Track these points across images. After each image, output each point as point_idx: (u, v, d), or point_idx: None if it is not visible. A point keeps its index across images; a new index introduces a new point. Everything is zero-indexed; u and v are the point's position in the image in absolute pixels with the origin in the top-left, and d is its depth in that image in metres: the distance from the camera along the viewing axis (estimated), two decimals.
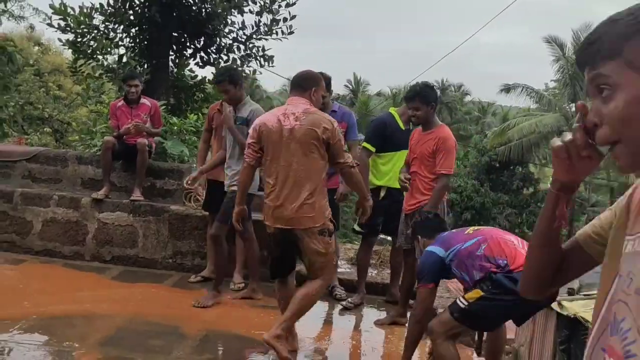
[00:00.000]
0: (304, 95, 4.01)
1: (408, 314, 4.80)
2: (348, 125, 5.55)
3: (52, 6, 9.09)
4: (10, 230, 6.18)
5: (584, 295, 8.67)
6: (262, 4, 10.21)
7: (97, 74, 10.24)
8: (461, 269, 3.64)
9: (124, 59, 9.91)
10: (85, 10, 9.40)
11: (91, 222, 6.15)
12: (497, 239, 3.60)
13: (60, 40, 9.46)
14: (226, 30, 10.42)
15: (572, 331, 8.45)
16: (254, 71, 10.93)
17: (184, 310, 4.97)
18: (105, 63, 10.23)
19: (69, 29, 9.30)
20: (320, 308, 5.53)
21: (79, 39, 9.39)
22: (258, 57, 10.41)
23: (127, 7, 9.79)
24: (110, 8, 9.74)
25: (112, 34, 10.06)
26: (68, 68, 10.63)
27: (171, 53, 10.63)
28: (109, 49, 9.65)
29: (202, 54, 10.70)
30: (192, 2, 10.05)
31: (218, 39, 10.47)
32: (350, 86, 48.21)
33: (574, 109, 27.25)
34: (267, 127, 3.92)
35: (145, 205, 6.15)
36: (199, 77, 10.80)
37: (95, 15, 9.70)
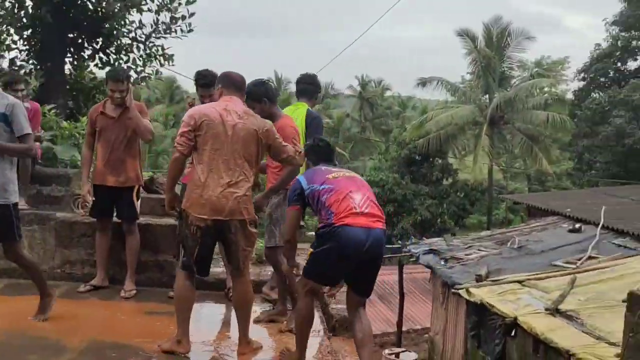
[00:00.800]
0: (239, 96, 4.23)
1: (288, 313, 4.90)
2: None
3: None
4: None
5: (492, 281, 8.87)
6: (160, 2, 9.99)
7: None
8: (313, 208, 4.05)
9: (17, 62, 9.49)
10: None
11: None
12: (344, 192, 3.89)
13: None
14: (124, 29, 10.12)
15: (480, 317, 8.63)
16: (157, 71, 10.72)
17: (69, 321, 4.76)
18: None
19: None
20: (215, 309, 5.44)
21: None
22: (158, 57, 10.18)
23: (17, 7, 9.36)
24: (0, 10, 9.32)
25: (3, 36, 9.62)
26: None
27: (69, 55, 10.27)
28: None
29: (102, 54, 10.38)
30: (86, 1, 9.72)
31: (117, 39, 10.16)
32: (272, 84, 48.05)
33: (488, 100, 28.45)
34: (209, 118, 3.99)
35: (30, 213, 5.87)
36: (99, 79, 10.46)
37: None
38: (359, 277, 4.02)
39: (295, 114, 5.34)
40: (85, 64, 10.50)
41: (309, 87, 5.66)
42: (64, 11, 9.30)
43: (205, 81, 5.24)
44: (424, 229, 27.17)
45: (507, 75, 30.03)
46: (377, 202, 4.01)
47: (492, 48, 28.20)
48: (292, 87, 48.82)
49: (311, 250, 3.96)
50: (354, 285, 4.08)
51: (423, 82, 29.80)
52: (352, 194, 3.91)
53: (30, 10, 9.33)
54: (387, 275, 13.88)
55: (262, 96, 4.77)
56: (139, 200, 5.56)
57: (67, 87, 10.13)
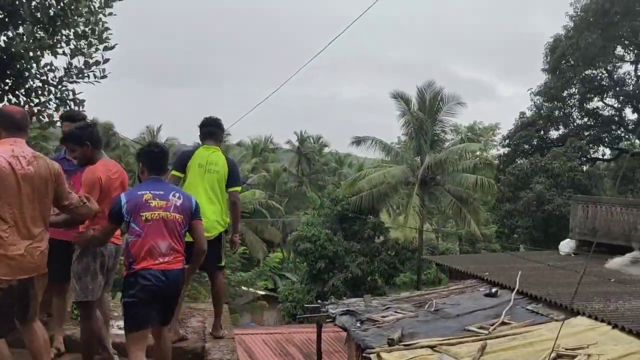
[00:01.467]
0: (23, 136, 3.87)
1: None
2: None
3: None
4: None
5: (404, 345, 8.64)
6: (75, 46, 9.65)
7: None
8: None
9: None
10: None
11: None
12: (149, 242, 4.14)
13: None
14: (36, 72, 9.70)
15: None
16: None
17: None
18: None
19: None
20: None
21: None
22: (68, 101, 9.77)
23: None
24: None
25: None
26: None
27: None
28: None
29: (11, 96, 9.89)
30: None
31: (28, 81, 9.72)
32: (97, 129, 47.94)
33: (419, 161, 28.90)
34: None
35: None
36: None
37: None
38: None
39: (213, 157, 5.43)
40: None
41: (216, 130, 5.72)
42: None
43: (69, 114, 5.50)
44: (354, 286, 26.93)
45: (439, 138, 30.62)
46: (181, 241, 4.30)
47: (424, 111, 28.77)
48: (231, 139, 48.77)
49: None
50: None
51: (358, 141, 30.06)
52: (160, 242, 4.18)
53: None
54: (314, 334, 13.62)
55: (85, 140, 4.64)
56: None
57: None
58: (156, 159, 4.42)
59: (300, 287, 28.52)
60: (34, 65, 9.74)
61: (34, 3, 9.26)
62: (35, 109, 9.98)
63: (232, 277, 14.76)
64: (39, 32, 9.33)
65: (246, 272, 27.16)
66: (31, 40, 9.14)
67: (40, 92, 9.94)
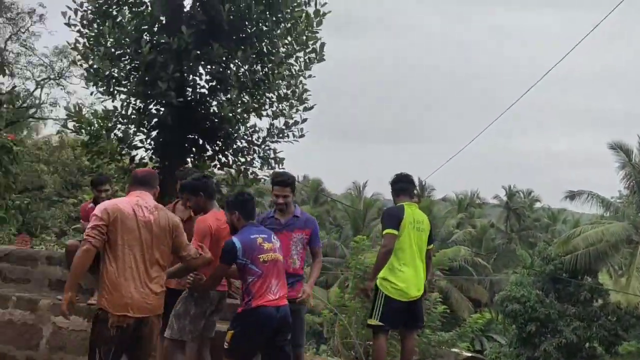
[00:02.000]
0: (146, 189, 4.31)
1: None
2: (312, 231, 5.34)
3: (66, 108, 9.40)
4: None
5: None
6: (276, 108, 10.25)
7: (117, 176, 10.42)
8: (239, 274, 4.64)
9: (137, 160, 10.04)
10: (100, 114, 9.67)
11: (46, 326, 5.89)
12: (268, 281, 4.55)
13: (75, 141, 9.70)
14: (242, 133, 10.43)
15: None
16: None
17: None
18: (124, 165, 10.39)
19: (83, 130, 9.54)
20: None
21: (92, 141, 9.58)
22: (270, 160, 10.33)
23: (143, 111, 10.00)
24: (133, 112, 9.99)
25: (131, 137, 10.23)
26: (86, 168, 10.86)
27: (191, 155, 10.72)
28: (122, 152, 9.80)
29: (221, 156, 10.72)
30: (208, 105, 10.18)
31: (235, 142, 10.48)
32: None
33: None
34: (122, 212, 3.99)
35: None
36: (215, 179, 10.76)
37: (115, 118, 9.94)
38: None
39: (418, 215, 5.64)
40: (208, 164, 10.86)
41: (409, 186, 5.84)
42: (185, 114, 9.75)
43: (281, 179, 5.25)
44: (569, 353, 24.69)
45: None
46: (284, 278, 4.74)
47: None
48: (436, 194, 48.32)
49: (231, 332, 4.53)
50: None
51: (572, 195, 28.05)
52: (272, 282, 4.58)
53: (155, 113, 9.88)
54: None
55: (199, 190, 4.99)
56: None
57: None
58: (252, 207, 4.79)
59: (509, 351, 26.80)
60: (241, 127, 10.47)
61: (241, 70, 9.99)
62: (242, 168, 10.72)
63: (432, 337, 14.22)
64: (245, 97, 10.02)
65: (447, 332, 26.18)
66: (238, 104, 9.82)
67: (246, 151, 10.65)
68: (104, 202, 4.31)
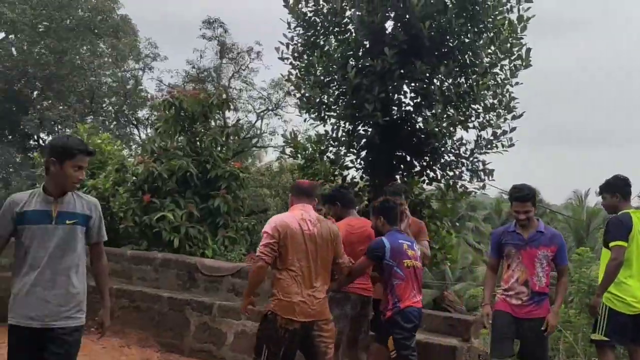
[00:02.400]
0: (309, 201, 4.61)
1: None
2: (558, 248, 4.97)
3: (283, 136, 10.17)
4: (208, 340, 6.72)
5: None
6: (483, 119, 10.09)
7: None
8: (383, 274, 4.88)
9: (349, 180, 10.49)
10: (314, 138, 10.29)
11: None
12: (410, 285, 4.82)
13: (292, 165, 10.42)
14: (449, 147, 10.42)
15: None
16: (484, 185, 10.71)
17: None
18: (337, 185, 10.92)
19: (299, 155, 10.23)
20: None
21: (307, 164, 10.23)
22: (479, 172, 10.16)
23: (353, 134, 10.44)
24: (343, 134, 10.51)
25: (342, 158, 10.73)
26: None
27: (400, 172, 10.94)
28: (335, 173, 10.32)
29: (429, 171, 10.80)
30: (413, 122, 10.34)
31: (442, 157, 10.50)
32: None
33: None
34: (290, 229, 4.33)
35: None
36: (424, 195, 10.85)
37: (326, 141, 10.53)
38: None
39: None
40: (418, 180, 11.01)
41: (629, 189, 5.50)
42: (391, 133, 10.01)
43: (521, 194, 4.95)
44: None
45: None
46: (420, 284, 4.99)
47: None
48: None
49: (392, 340, 4.80)
50: None
51: None
52: (414, 286, 4.85)
53: (363, 134, 10.26)
54: None
55: (336, 200, 5.38)
56: None
57: None
58: (396, 214, 4.99)
59: None
60: (448, 141, 10.45)
61: (445, 84, 10.02)
62: (451, 182, 10.69)
63: None
64: (450, 110, 10.01)
65: None
66: (443, 119, 9.84)
67: (454, 165, 10.59)
68: (273, 218, 4.53)
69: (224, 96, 10.16)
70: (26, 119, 22.39)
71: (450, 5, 9.12)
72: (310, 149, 10.28)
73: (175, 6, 60.02)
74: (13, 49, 24.45)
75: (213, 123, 10.31)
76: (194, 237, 8.89)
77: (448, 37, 9.59)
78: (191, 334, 6.87)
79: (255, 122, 31.76)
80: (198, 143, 9.59)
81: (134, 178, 9.13)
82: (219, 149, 9.61)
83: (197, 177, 9.25)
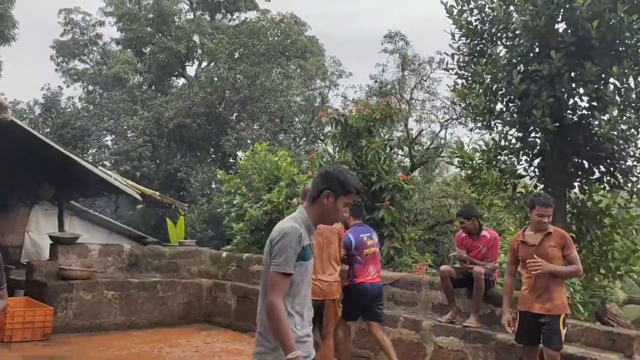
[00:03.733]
0: None
1: None
2: None
3: (449, 146, 10.18)
4: (367, 346, 7.02)
5: None
6: None
7: (503, 205, 10.78)
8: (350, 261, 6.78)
9: (521, 188, 10.20)
10: (482, 147, 10.17)
11: (429, 345, 6.51)
12: (367, 267, 6.68)
13: (460, 175, 10.38)
14: (630, 151, 9.72)
15: None
16: None
17: None
18: (508, 195, 10.67)
19: (466, 165, 10.16)
20: None
21: (475, 174, 10.12)
22: None
23: (523, 141, 10.15)
24: (512, 142, 10.29)
25: (514, 167, 10.47)
26: (474, 201, 11.43)
27: (577, 179, 10.43)
28: (506, 182, 10.09)
29: (609, 177, 10.15)
30: (584, 127, 9.83)
31: (620, 162, 9.83)
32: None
33: None
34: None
35: (475, 331, 6.21)
36: (603, 203, 10.20)
37: (494, 150, 10.35)
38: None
39: None
40: (598, 187, 10.41)
41: None
42: (563, 139, 9.59)
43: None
44: None
45: None
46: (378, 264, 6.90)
47: None
48: None
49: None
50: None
51: None
52: (370, 268, 6.68)
53: (533, 140, 9.94)
54: None
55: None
56: (565, 329, 5.27)
57: (573, 210, 10.24)
58: (361, 209, 7.22)
59: None
60: (629, 145, 9.77)
61: (622, 85, 9.41)
62: (635, 188, 9.96)
63: None
64: (629, 113, 9.38)
65: None
66: (619, 122, 9.24)
67: (637, 170, 9.88)
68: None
69: (393, 109, 10.39)
70: (225, 139, 24.41)
71: (620, 3, 8.56)
72: (477, 159, 10.16)
73: (360, 22, 61.80)
74: (214, 77, 26.88)
75: (382, 136, 10.61)
76: None
77: (621, 36, 8.99)
78: (351, 340, 7.21)
79: (439, 132, 31.61)
80: (363, 157, 9.96)
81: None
82: (382, 161, 9.89)
83: (363, 189, 9.61)
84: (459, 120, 31.00)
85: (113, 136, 27.40)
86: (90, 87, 32.82)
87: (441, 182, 28.57)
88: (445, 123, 31.35)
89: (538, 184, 10.64)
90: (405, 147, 20.25)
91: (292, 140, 27.42)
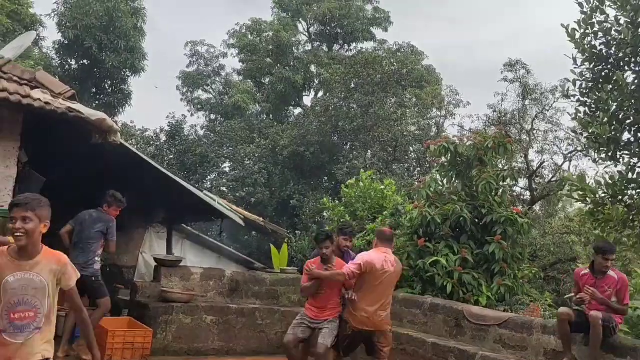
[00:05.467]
0: (391, 246, 6.62)
1: None
2: None
3: (569, 178, 9.42)
4: None
5: None
6: None
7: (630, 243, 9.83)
8: None
9: None
10: (606, 180, 9.33)
11: None
12: None
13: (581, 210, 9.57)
14: None
15: None
16: None
17: None
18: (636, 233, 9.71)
19: (589, 199, 9.35)
20: None
21: (597, 209, 9.30)
22: None
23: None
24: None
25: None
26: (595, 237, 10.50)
27: None
28: (634, 219, 9.19)
29: None
30: None
31: None
32: None
33: None
34: (373, 266, 6.10)
35: None
36: None
37: (619, 184, 9.50)
38: None
39: None
40: None
41: None
42: None
43: None
44: None
45: None
46: None
47: None
48: None
49: None
50: None
51: None
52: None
53: None
54: None
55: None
56: None
57: None
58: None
59: None
60: None
61: None
62: None
63: None
64: None
65: None
66: None
67: None
68: (363, 254, 6.41)
69: (506, 137, 9.79)
70: (337, 168, 24.43)
71: None
72: (601, 193, 9.31)
73: (480, 53, 60.53)
74: (329, 106, 27.08)
75: (495, 166, 10.02)
76: (468, 283, 8.71)
77: None
78: None
79: (562, 164, 29.97)
80: (474, 188, 9.42)
81: (409, 223, 9.33)
82: (494, 193, 9.31)
83: (472, 222, 9.08)
84: (583, 152, 29.34)
85: (231, 163, 28.22)
86: (212, 116, 34.10)
87: (564, 218, 26.98)
88: (569, 155, 29.72)
89: None
90: (522, 178, 19.24)
91: (406, 170, 26.98)
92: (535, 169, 27.40)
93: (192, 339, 8.28)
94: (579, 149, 29.50)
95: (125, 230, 13.09)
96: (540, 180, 28.59)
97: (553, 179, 29.85)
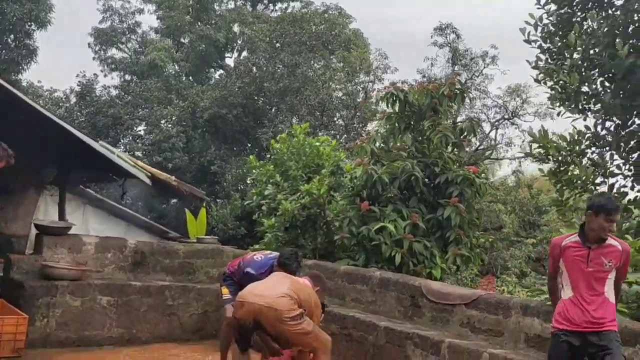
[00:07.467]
0: None
1: None
2: None
3: (531, 134, 8.31)
4: None
5: None
6: None
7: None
8: None
9: (615, 189, 8.29)
10: (570, 138, 8.28)
11: None
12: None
13: (540, 170, 8.54)
14: None
15: None
16: None
17: None
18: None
19: (549, 158, 8.27)
20: None
21: (561, 168, 8.24)
22: None
23: (622, 130, 8.31)
24: (608, 131, 8.44)
25: (607, 162, 8.62)
26: (552, 203, 9.49)
27: None
28: (596, 179, 8.19)
29: None
30: None
31: None
32: None
33: None
34: None
35: None
36: None
37: (586, 140, 8.50)
38: None
39: None
40: None
41: None
42: None
43: None
44: None
45: None
46: None
47: None
48: None
49: None
50: None
51: None
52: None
53: (636, 130, 8.06)
54: None
55: None
56: None
57: None
58: None
59: None
60: None
61: None
62: None
63: None
64: None
65: None
66: None
67: None
68: None
69: (458, 86, 8.55)
70: (262, 132, 22.95)
71: None
72: (566, 150, 8.24)
73: (406, 24, 59.91)
74: (253, 66, 25.40)
75: (445, 119, 8.80)
76: (419, 253, 7.45)
77: None
78: None
79: (489, 132, 29.64)
80: (425, 143, 8.13)
81: (351, 183, 7.95)
82: (449, 149, 8.07)
83: (424, 182, 7.81)
84: (510, 120, 29.10)
85: (146, 126, 26.21)
86: (127, 77, 31.72)
87: (490, 186, 26.56)
88: (497, 123, 29.40)
89: (635, 185, 8.73)
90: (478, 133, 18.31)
91: (333, 137, 25.77)
92: (466, 120, 26.84)
93: (82, 326, 6.65)
94: (506, 117, 29.26)
95: (13, 193, 11.16)
96: (468, 148, 27.89)
97: (480, 147, 29.49)
